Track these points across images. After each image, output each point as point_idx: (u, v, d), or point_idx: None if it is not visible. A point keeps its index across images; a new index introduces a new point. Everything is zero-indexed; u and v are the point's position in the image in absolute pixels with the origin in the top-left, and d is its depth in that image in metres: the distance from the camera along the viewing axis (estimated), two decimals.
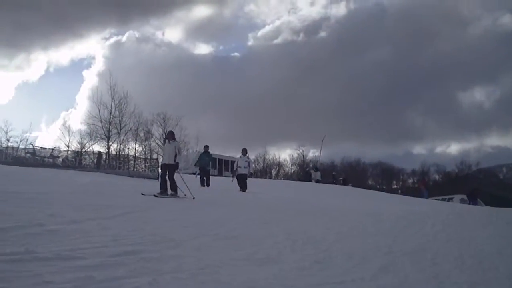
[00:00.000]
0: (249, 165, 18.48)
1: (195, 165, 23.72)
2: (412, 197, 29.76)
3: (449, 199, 35.97)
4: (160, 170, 14.95)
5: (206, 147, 21.80)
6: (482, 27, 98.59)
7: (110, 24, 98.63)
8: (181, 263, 5.27)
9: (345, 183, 35.95)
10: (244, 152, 18.50)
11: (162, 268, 4.88)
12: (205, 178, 19.59)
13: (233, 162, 28.23)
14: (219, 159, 42.56)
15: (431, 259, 7.07)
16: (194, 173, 23.06)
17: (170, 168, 13.08)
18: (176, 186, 12.86)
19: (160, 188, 12.76)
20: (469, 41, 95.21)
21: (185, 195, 12.87)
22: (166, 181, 12.94)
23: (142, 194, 12.08)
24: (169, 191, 12.75)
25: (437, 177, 78.83)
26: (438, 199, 34.57)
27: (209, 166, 20.66)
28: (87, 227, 6.45)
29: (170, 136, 13.92)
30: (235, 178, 18.51)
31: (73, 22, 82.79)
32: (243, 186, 17.68)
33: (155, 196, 12.12)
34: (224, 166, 44.42)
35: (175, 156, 13.07)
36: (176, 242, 6.43)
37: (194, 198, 12.54)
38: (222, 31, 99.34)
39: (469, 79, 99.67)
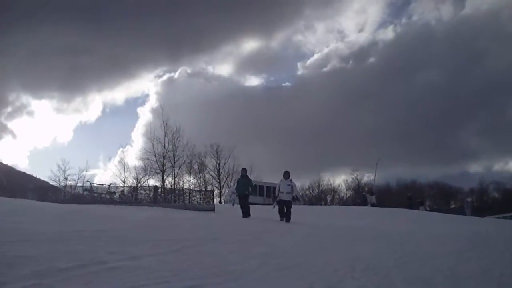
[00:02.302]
0: (292, 189, 15.82)
1: (234, 193, 20.96)
2: (473, 217, 28.71)
3: (511, 217, 34.38)
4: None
5: (244, 170, 19.09)
6: None
7: (162, 62, 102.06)
8: None
9: (421, 204, 34.33)
10: (286, 175, 15.95)
11: None
12: (243, 207, 16.95)
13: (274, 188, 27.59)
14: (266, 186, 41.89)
15: (497, 281, 6.70)
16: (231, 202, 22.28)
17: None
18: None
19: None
20: None
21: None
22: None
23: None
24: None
25: (496, 195, 75.53)
26: (499, 217, 33.09)
27: (248, 191, 17.58)
28: (147, 263, 6.43)
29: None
30: (276, 206, 16.13)
31: (126, 63, 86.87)
32: (287, 216, 15.36)
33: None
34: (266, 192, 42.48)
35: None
36: (237, 274, 6.30)
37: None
38: (271, 62, 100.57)
39: None
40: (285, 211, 15.54)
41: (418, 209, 30.41)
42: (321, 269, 7.19)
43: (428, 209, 37.25)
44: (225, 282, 5.75)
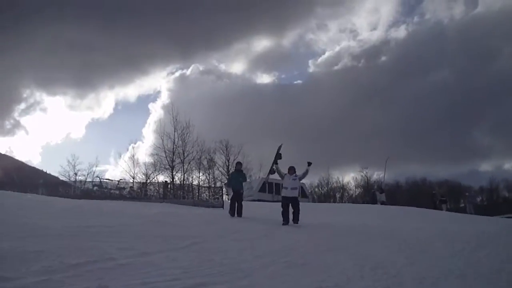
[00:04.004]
0: (298, 185, 14.15)
1: (228, 186, 18.26)
2: (481, 216, 28.51)
3: None
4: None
5: (239, 164, 17.45)
6: None
7: (174, 59, 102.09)
8: None
9: (445, 203, 32.92)
10: (292, 170, 13.81)
11: None
12: (236, 204, 15.23)
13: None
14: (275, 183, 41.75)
15: (507, 280, 6.66)
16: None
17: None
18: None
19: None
20: None
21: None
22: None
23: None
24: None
25: (506, 194, 75.10)
26: (510, 217, 32.78)
27: (242, 188, 15.97)
28: (157, 260, 6.44)
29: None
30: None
31: (139, 60, 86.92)
32: (294, 216, 13.35)
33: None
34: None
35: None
36: (246, 272, 6.29)
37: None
38: (283, 60, 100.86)
39: None
40: (292, 210, 13.51)
41: (441, 208, 29.75)
42: (330, 268, 7.16)
43: (449, 207, 36.18)
44: (234, 280, 5.75)
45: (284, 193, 13.74)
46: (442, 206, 30.17)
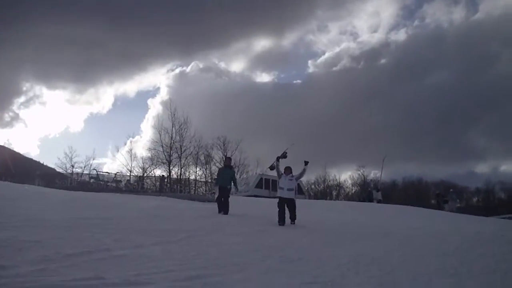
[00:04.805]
0: (295, 185, 13.25)
1: (215, 185, 16.75)
2: (477, 216, 28.56)
3: None
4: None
5: (228, 159, 16.88)
6: None
7: (175, 56, 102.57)
8: (247, 287, 5.16)
9: (447, 202, 31.28)
10: (288, 170, 13.10)
11: None
12: (222, 201, 14.38)
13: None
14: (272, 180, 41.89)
15: (501, 280, 6.71)
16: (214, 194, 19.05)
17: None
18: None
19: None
20: None
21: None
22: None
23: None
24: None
25: (502, 195, 75.34)
26: (504, 218, 32.83)
27: (230, 185, 15.00)
28: (152, 252, 6.47)
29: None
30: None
31: (139, 57, 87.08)
32: (291, 216, 12.76)
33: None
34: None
35: None
36: (241, 266, 6.33)
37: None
38: (282, 60, 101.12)
39: None
40: (289, 211, 12.82)
41: (444, 208, 29.32)
42: (325, 264, 7.20)
43: (458, 205, 35.39)
44: (229, 273, 5.78)
45: (280, 193, 13.08)
46: (445, 206, 29.78)
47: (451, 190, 35.11)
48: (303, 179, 45.68)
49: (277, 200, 13.18)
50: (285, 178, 13.00)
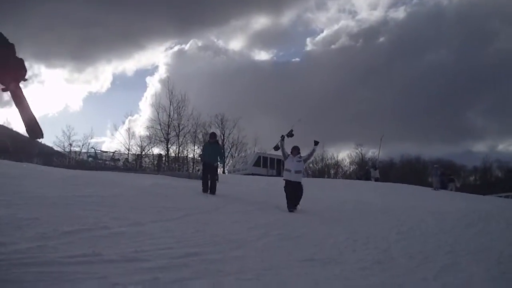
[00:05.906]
0: (303, 167, 12.12)
1: (200, 159, 16.07)
2: (475, 194, 28.65)
3: None
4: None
5: (213, 135, 15.39)
6: None
7: (173, 34, 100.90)
8: (245, 264, 5.21)
9: (453, 181, 30.29)
10: (296, 151, 12.01)
11: (225, 270, 4.82)
12: (209, 179, 13.48)
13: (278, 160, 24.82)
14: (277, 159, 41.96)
15: (497, 258, 6.80)
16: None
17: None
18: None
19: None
20: None
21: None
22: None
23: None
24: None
25: (499, 174, 75.63)
26: (501, 196, 32.99)
27: (216, 162, 14.06)
28: (150, 229, 6.50)
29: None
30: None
31: (137, 35, 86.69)
32: (296, 200, 11.44)
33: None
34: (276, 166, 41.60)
35: None
36: (239, 243, 6.38)
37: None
38: (281, 38, 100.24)
39: None
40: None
41: (448, 187, 28.60)
42: (323, 241, 7.28)
43: (458, 186, 34.33)
44: (227, 250, 5.82)
45: (286, 176, 11.85)
46: (449, 185, 28.99)
47: (435, 165, 34.47)
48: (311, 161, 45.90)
49: (274, 178, 13.09)
50: (292, 159, 11.91)
